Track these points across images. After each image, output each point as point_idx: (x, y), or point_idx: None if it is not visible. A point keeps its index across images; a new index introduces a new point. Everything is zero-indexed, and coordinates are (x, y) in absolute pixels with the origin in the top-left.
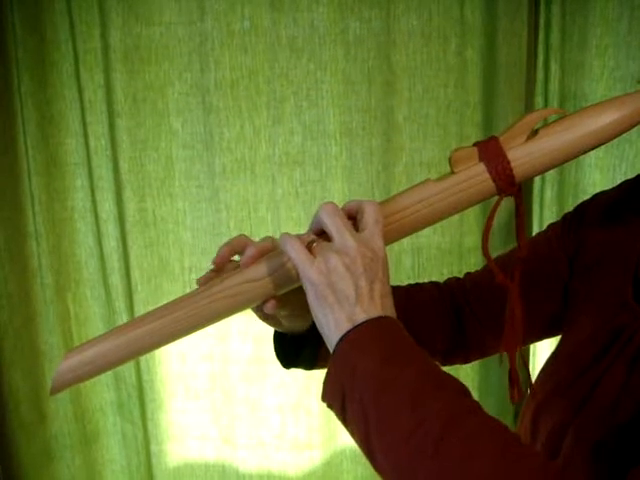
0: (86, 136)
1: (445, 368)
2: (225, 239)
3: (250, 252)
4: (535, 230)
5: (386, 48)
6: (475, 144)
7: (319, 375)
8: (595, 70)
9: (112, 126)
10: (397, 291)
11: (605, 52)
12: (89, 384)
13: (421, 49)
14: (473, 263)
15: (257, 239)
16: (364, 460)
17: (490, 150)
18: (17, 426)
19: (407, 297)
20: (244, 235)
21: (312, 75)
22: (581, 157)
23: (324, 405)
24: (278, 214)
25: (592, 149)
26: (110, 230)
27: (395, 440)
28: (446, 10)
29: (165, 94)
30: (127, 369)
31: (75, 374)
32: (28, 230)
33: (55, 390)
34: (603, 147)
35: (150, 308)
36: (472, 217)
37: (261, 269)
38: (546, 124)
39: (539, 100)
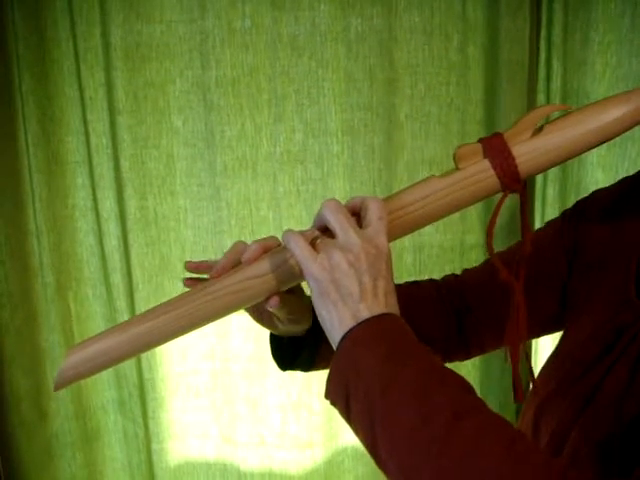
0: (87, 134)
1: (446, 365)
2: (226, 237)
3: (253, 248)
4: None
5: (388, 45)
6: (480, 140)
7: (320, 373)
8: (597, 67)
9: (113, 124)
10: (396, 289)
11: (608, 49)
12: (90, 382)
13: (423, 46)
14: (474, 261)
15: (258, 238)
16: (366, 459)
17: (495, 146)
18: (18, 424)
19: (406, 295)
20: (241, 241)
21: (313, 73)
22: (583, 155)
23: (325, 403)
24: (279, 212)
25: (598, 145)
26: (111, 228)
27: (400, 437)
28: (448, 7)
29: (166, 92)
30: (128, 367)
31: (77, 370)
32: (29, 228)
33: (59, 386)
34: (605, 145)
35: (151, 306)
36: (474, 215)
37: (264, 265)
38: (551, 120)
39: (541, 97)
